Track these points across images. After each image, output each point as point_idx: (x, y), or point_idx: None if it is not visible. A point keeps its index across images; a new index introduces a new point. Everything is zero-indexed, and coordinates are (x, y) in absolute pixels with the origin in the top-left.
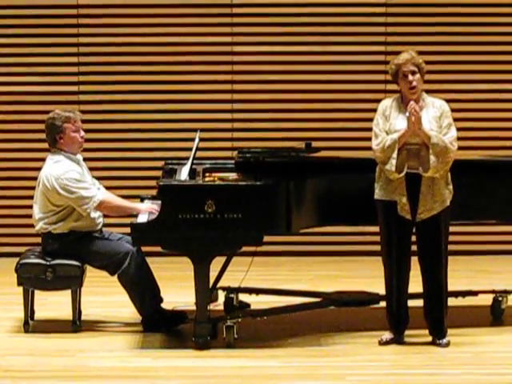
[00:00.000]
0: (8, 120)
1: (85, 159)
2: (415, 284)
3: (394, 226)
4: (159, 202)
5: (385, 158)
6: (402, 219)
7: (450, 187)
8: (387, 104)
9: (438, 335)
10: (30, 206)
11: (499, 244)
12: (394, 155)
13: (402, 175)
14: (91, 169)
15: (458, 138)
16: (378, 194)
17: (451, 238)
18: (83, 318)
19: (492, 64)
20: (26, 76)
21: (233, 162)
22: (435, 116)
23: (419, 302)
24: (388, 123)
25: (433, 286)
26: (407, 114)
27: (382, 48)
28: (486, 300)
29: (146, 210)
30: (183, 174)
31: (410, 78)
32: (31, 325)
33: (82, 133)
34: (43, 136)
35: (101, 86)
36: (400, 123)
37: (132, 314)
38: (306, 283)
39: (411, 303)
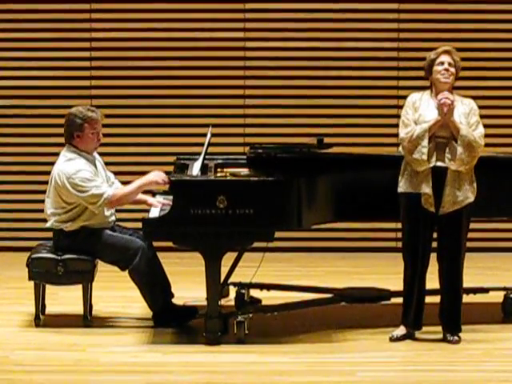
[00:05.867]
0: (20, 114)
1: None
2: (427, 281)
3: (418, 221)
4: (171, 197)
5: (412, 147)
6: (425, 213)
7: (475, 185)
8: (416, 97)
9: (452, 332)
10: (42, 201)
11: (511, 241)
12: (425, 143)
13: (430, 166)
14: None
15: (485, 135)
16: (402, 186)
17: None
18: (94, 313)
19: (508, 61)
20: (39, 70)
21: (245, 157)
22: (464, 112)
23: (430, 299)
24: (417, 114)
25: (451, 284)
26: (438, 100)
27: (394, 44)
28: (497, 297)
29: (155, 180)
30: (195, 169)
31: (446, 65)
32: (42, 319)
33: (100, 135)
34: (55, 131)
35: (113, 81)
36: (430, 114)
37: (143, 309)
38: (317, 279)
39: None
